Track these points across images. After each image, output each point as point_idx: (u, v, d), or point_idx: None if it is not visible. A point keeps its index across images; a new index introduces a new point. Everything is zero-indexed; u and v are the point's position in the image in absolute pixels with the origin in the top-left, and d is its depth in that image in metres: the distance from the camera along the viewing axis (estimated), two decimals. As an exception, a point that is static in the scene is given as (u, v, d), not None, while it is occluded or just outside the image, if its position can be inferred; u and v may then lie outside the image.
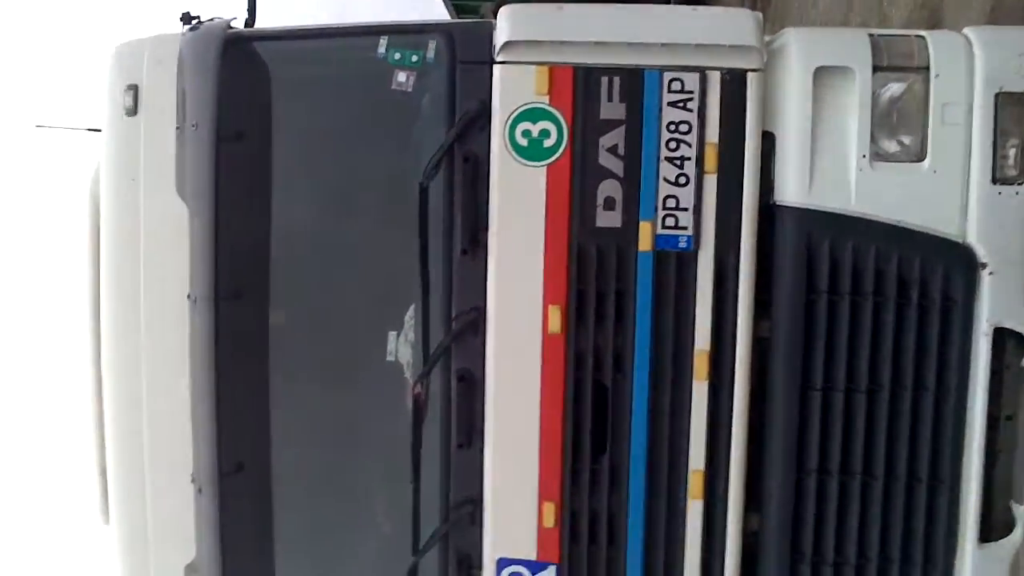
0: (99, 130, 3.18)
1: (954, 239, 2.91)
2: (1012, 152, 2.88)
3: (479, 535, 3.10)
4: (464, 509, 3.12)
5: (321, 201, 3.26)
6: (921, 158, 2.91)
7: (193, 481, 3.17)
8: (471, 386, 3.05)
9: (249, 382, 3.25)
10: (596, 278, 2.95)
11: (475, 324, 3.02)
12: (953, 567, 3.01)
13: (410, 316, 3.20)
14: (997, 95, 2.87)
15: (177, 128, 3.11)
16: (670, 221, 2.93)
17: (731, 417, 2.96)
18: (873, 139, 2.92)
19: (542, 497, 3.04)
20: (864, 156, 2.91)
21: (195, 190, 3.07)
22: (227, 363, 3.11)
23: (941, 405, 2.95)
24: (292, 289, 3.28)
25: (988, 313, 2.90)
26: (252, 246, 3.19)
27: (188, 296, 3.08)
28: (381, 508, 3.33)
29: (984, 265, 2.89)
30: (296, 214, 3.26)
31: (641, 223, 2.93)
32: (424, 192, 3.01)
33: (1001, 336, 2.96)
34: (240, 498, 3.26)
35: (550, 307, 2.96)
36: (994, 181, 2.88)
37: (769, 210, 2.96)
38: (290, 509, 3.37)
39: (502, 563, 3.08)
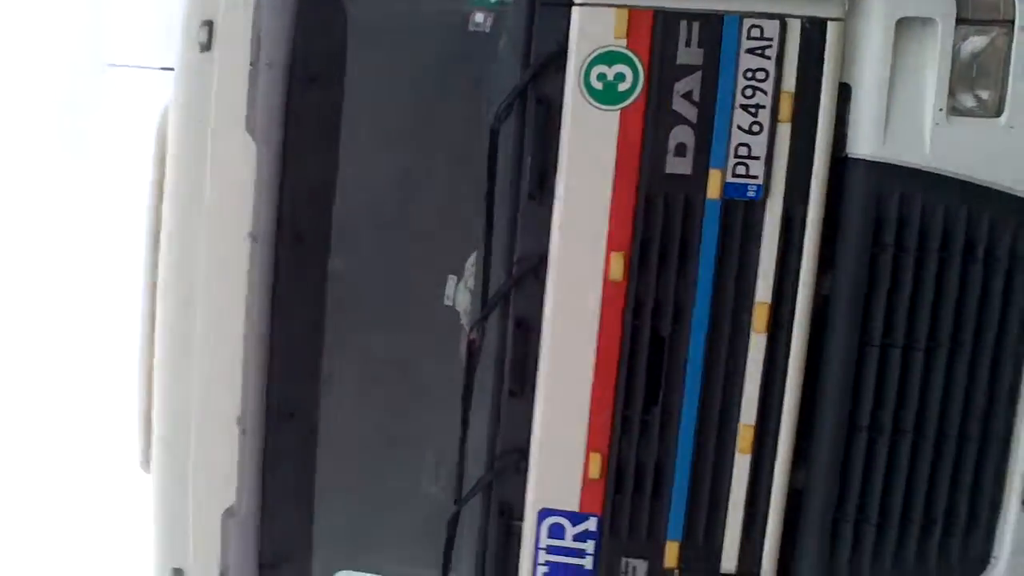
0: (172, 69, 3.03)
1: (1024, 196, 2.86)
2: (1092, 110, 2.83)
3: (523, 486, 3.06)
4: (510, 458, 3.07)
5: (391, 146, 3.21)
6: (999, 113, 2.86)
7: (239, 423, 3.07)
8: (528, 333, 3.00)
9: (304, 327, 3.20)
10: (662, 225, 2.89)
11: (536, 270, 2.95)
12: (995, 529, 3.03)
13: (471, 263, 3.14)
14: (1081, 53, 2.81)
15: (251, 65, 2.98)
16: (740, 169, 2.86)
17: (786, 372, 2.93)
18: (951, 93, 2.86)
19: (590, 447, 3.01)
20: (941, 110, 2.85)
21: (264, 129, 2.98)
22: (284, 306, 3.04)
23: (998, 366, 2.94)
24: (355, 235, 3.24)
25: (1057, 274, 2.87)
26: (318, 190, 3.15)
27: (249, 235, 2.96)
28: (428, 457, 3.26)
29: (1055, 225, 2.86)
30: (365, 159, 3.22)
31: (711, 170, 2.87)
32: (495, 135, 2.93)
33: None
34: (285, 444, 3.21)
35: (613, 254, 2.90)
36: (1071, 141, 2.83)
37: (841, 162, 2.89)
38: (335, 457, 3.31)
39: (543, 513, 3.05)
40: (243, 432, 3.07)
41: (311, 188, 3.11)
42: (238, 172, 2.99)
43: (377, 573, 3.50)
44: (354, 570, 3.49)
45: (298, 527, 3.33)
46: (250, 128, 3.01)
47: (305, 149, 3.07)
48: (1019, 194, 2.89)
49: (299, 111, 3.03)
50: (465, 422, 3.10)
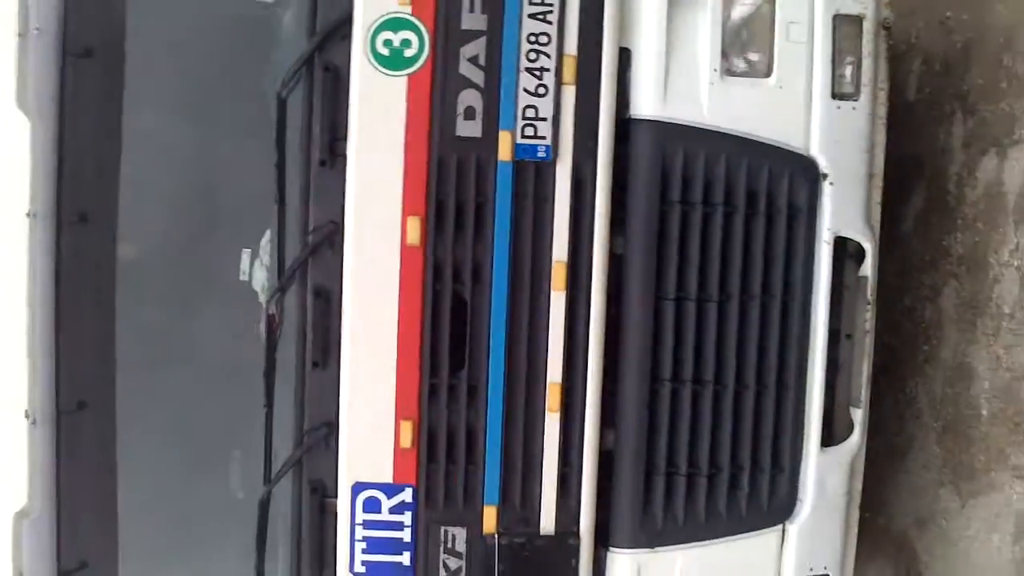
0: None
1: (798, 151, 3.05)
2: (848, 70, 3.05)
3: (334, 461, 3.02)
4: (319, 433, 3.03)
5: (178, 121, 3.14)
6: (768, 74, 3.05)
7: (27, 415, 2.95)
8: (327, 303, 2.99)
9: (94, 310, 3.09)
10: (456, 188, 2.95)
11: (332, 238, 2.95)
12: (799, 471, 3.13)
13: (267, 240, 3.11)
14: (835, 16, 3.03)
15: (19, 36, 2.93)
16: (529, 131, 2.95)
17: (588, 329, 2.99)
18: (724, 56, 3.04)
19: (399, 416, 3.00)
20: (716, 71, 3.01)
21: (38, 104, 2.91)
22: (70, 289, 2.94)
23: (788, 312, 3.09)
24: (143, 213, 3.14)
25: (829, 222, 3.05)
26: (102, 168, 3.06)
27: (28, 213, 2.88)
28: (233, 441, 3.18)
29: (825, 176, 3.05)
30: (152, 135, 3.12)
31: (501, 132, 2.95)
32: (283, 104, 2.95)
33: (842, 248, 3.10)
34: (81, 438, 3.09)
35: (409, 218, 2.93)
36: (833, 96, 3.03)
37: (626, 123, 3.02)
38: (136, 447, 3.19)
39: (357, 488, 3.02)
40: (33, 423, 2.94)
41: (94, 166, 3.03)
42: (12, 149, 2.90)
43: None
44: None
45: (101, 530, 3.19)
46: (22, 103, 2.93)
47: (85, 125, 2.98)
48: (793, 148, 3.06)
49: (75, 85, 2.94)
50: (270, 400, 3.05)
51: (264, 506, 3.06)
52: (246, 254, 3.07)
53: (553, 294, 2.99)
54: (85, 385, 3.05)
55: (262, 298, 3.06)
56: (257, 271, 3.14)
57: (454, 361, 3.00)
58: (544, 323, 3.00)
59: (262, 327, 3.04)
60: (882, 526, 3.80)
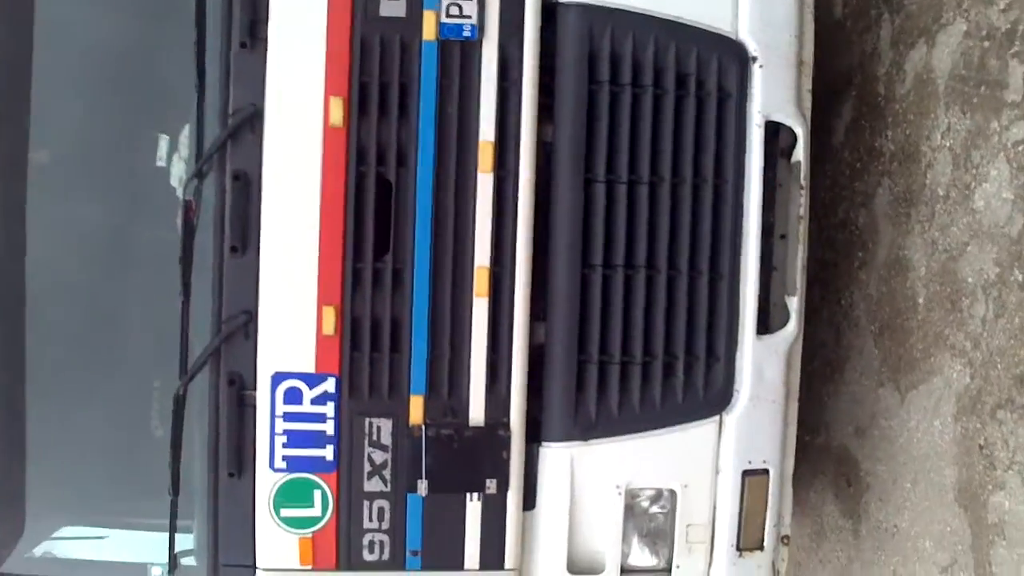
0: None
1: (727, 35, 3.06)
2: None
3: (253, 353, 2.94)
4: (237, 321, 2.93)
5: (92, 8, 3.04)
6: (695, -43, 3.03)
7: None
8: (247, 187, 2.91)
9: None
10: (379, 68, 2.91)
11: (252, 120, 2.88)
12: (734, 359, 3.09)
13: (186, 135, 3.02)
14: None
15: None
16: (454, 10, 2.93)
17: (516, 210, 2.94)
18: (649, -62, 3.01)
19: (321, 301, 2.93)
20: (642, -47, 2.99)
21: None
22: None
23: (720, 197, 3.06)
24: (57, 102, 3.05)
25: (760, 105, 3.05)
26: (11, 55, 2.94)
27: None
28: (149, 336, 3.07)
29: (755, 59, 3.04)
30: (64, 20, 3.03)
31: (425, 12, 2.92)
32: None
33: (774, 141, 3.08)
34: None
35: (331, 98, 2.89)
36: (759, -21, 3.03)
37: (553, 8, 2.99)
38: (47, 344, 3.06)
39: (277, 378, 2.94)
40: None
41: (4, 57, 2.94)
42: None
43: (107, 527, 3.23)
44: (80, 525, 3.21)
45: (6, 473, 3.05)
46: None
47: None
48: (722, 32, 3.06)
49: None
50: (186, 291, 2.95)
51: (179, 401, 2.95)
52: (164, 140, 2.98)
53: (480, 176, 2.95)
54: None
55: (181, 188, 2.96)
56: (175, 165, 3.06)
57: (378, 246, 2.95)
58: (471, 206, 2.95)
59: (178, 213, 2.94)
60: (821, 444, 3.78)
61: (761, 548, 3.21)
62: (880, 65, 3.46)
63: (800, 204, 3.15)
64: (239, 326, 2.94)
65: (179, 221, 2.95)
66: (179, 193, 3.02)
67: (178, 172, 3.07)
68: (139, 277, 3.11)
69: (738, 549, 3.17)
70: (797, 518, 4.09)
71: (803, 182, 3.14)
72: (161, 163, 3.01)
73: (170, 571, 3.10)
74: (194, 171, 2.92)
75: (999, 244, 2.84)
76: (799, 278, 3.17)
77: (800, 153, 3.13)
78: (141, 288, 3.11)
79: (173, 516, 3.04)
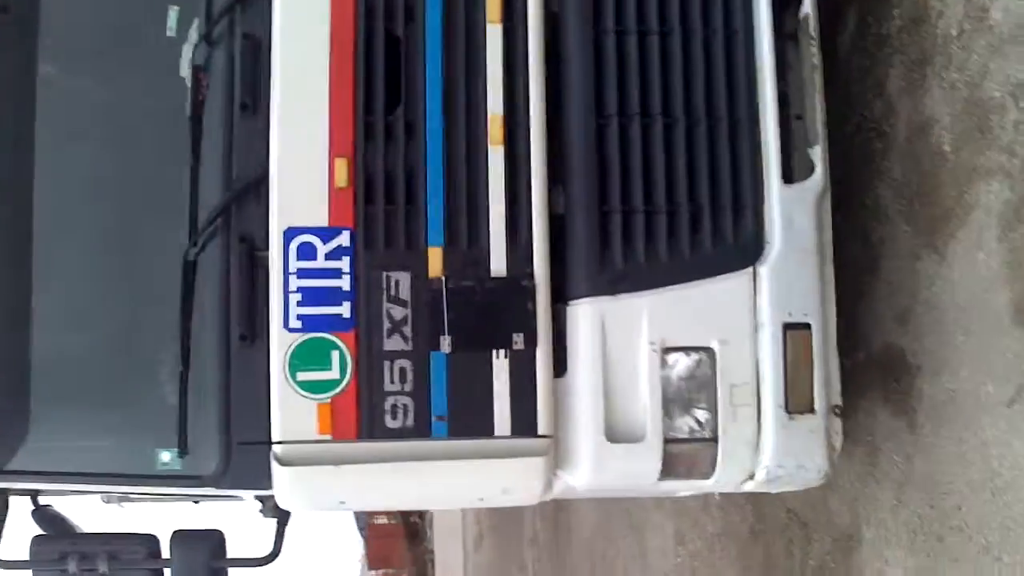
0: None
1: None
2: None
3: (264, 214, 2.89)
4: (248, 180, 2.90)
5: None
6: None
7: None
8: (257, 48, 2.94)
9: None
10: (384, -77, 2.98)
11: None
12: (762, 208, 3.02)
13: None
14: None
15: None
16: None
17: (527, 59, 2.96)
18: None
19: (333, 153, 2.92)
20: None
21: None
22: None
23: (731, 46, 3.06)
24: None
25: (762, -42, 3.09)
26: None
27: None
28: (157, 206, 3.03)
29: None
30: None
31: None
32: None
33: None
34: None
35: (337, -42, 2.93)
36: None
37: None
38: (52, 245, 3.02)
39: (290, 233, 2.88)
40: None
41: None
42: None
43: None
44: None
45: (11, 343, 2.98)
46: None
47: None
48: None
49: None
50: (196, 152, 2.93)
51: (189, 264, 2.87)
52: (172, 11, 3.02)
53: (489, 27, 2.97)
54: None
55: (190, 54, 2.97)
56: (185, 54, 3.07)
57: (389, 100, 2.94)
58: (481, 57, 2.98)
59: (188, 78, 2.95)
60: (862, 361, 3.61)
61: (812, 411, 3.03)
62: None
63: (813, 54, 3.16)
64: (250, 182, 2.89)
65: (188, 87, 2.96)
66: (188, 60, 3.01)
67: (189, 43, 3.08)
68: (146, 150, 3.08)
69: (787, 411, 2.99)
70: (847, 449, 3.87)
71: (813, 34, 3.16)
72: (171, 33, 3.03)
73: (181, 453, 2.92)
74: (204, 33, 2.96)
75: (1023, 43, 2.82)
76: (820, 127, 3.14)
77: (808, 6, 3.16)
78: (148, 162, 3.07)
79: (183, 393, 2.92)
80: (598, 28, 3.03)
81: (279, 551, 3.08)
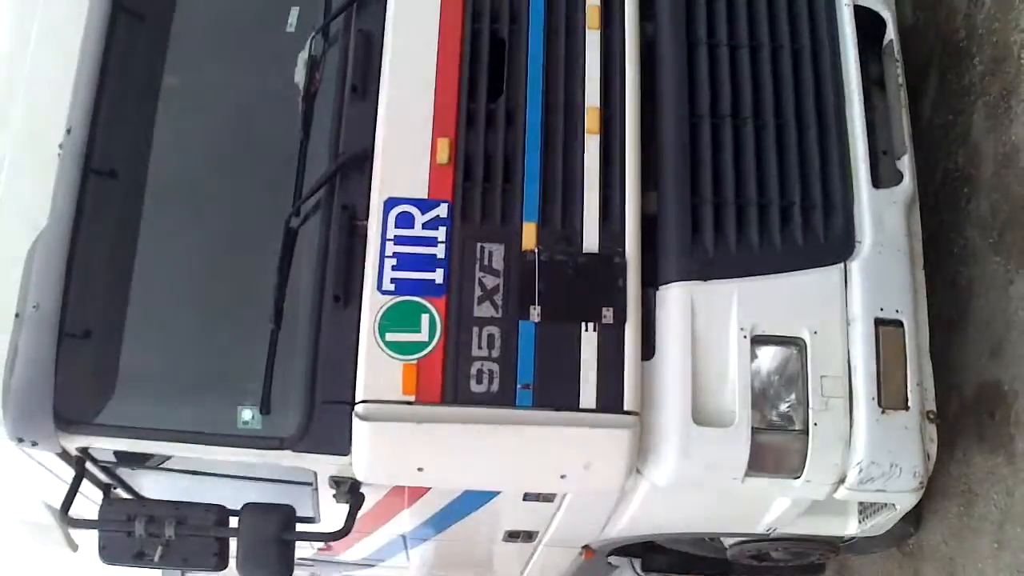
0: None
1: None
2: None
3: (367, 187, 3.05)
4: (353, 161, 3.07)
5: None
6: None
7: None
8: (369, 41, 3.17)
9: (137, 75, 3.30)
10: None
11: None
12: (852, 210, 3.09)
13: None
14: None
15: None
16: None
17: (623, 61, 3.14)
18: None
19: (436, 134, 3.08)
20: None
21: None
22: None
23: (818, 59, 3.22)
24: None
25: (847, -2, 3.30)
26: None
27: None
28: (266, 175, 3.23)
29: (840, -50, 3.34)
30: None
31: None
32: None
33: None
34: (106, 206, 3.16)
35: (448, -38, 3.22)
36: None
37: None
38: (160, 215, 3.19)
39: (390, 203, 3.02)
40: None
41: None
42: None
43: None
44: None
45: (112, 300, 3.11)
46: None
47: None
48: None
49: None
50: (307, 128, 3.12)
51: (291, 228, 2.98)
52: (295, 10, 3.28)
53: (588, 32, 3.18)
54: (118, 154, 3.19)
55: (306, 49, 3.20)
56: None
57: (492, 90, 3.12)
58: (580, 57, 3.20)
59: (301, 68, 3.17)
60: (955, 410, 3.53)
61: (906, 407, 2.96)
62: (957, 14, 3.75)
63: (898, 74, 3.29)
64: (355, 155, 3.04)
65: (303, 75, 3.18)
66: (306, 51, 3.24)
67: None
68: (261, 130, 3.27)
69: (880, 405, 2.93)
70: (940, 501, 3.72)
71: (897, 56, 3.32)
72: (291, 29, 3.28)
73: (263, 411, 2.92)
74: (320, 27, 3.20)
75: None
76: (906, 140, 3.24)
77: (891, 32, 3.34)
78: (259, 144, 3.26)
79: (272, 351, 2.95)
80: (691, 40, 3.23)
81: (350, 528, 3.01)
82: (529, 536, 3.77)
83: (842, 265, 3.06)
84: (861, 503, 3.40)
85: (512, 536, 3.78)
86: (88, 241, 3.07)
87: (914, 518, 3.81)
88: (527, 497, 3.24)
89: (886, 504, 3.21)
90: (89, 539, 4.90)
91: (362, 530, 3.78)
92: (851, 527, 3.46)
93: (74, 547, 4.81)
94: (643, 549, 4.49)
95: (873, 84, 3.45)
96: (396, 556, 4.33)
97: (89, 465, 3.15)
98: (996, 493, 3.35)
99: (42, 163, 3.12)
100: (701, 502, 3.30)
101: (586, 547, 3.95)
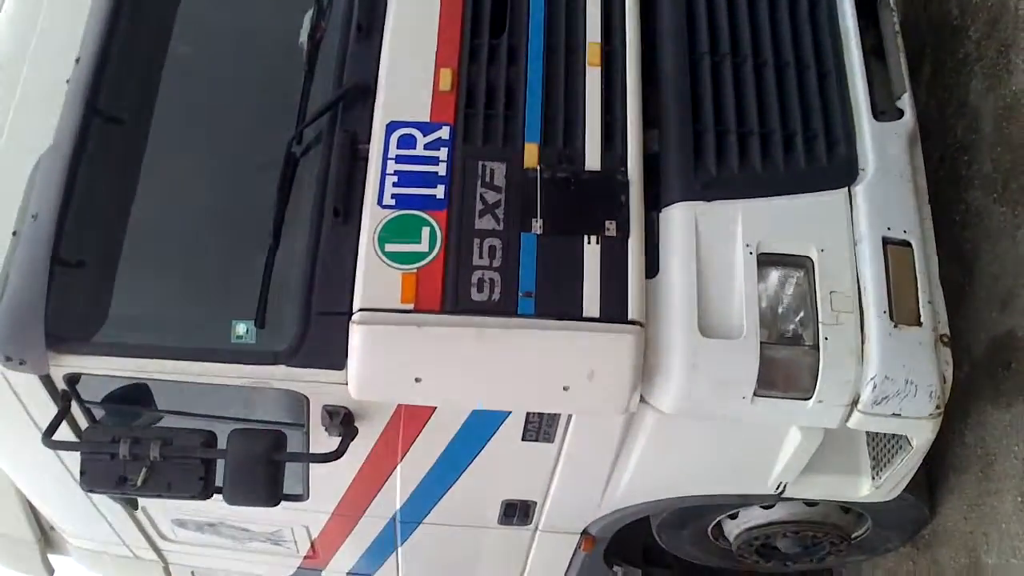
0: None
1: None
2: None
3: (369, 116, 3.09)
4: (357, 93, 3.12)
5: None
6: None
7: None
8: None
9: (145, 34, 3.40)
10: None
11: None
12: (854, 138, 3.12)
13: None
14: None
15: None
16: None
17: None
18: None
19: (439, 64, 3.16)
20: None
21: None
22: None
23: (815, 9, 3.31)
24: None
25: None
26: None
27: None
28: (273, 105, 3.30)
29: None
30: None
31: None
32: None
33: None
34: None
35: None
36: None
37: None
38: (161, 147, 3.24)
39: (392, 126, 3.08)
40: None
41: None
42: None
43: None
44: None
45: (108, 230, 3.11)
46: None
47: None
48: None
49: None
50: (311, 65, 3.20)
51: (293, 154, 3.01)
52: None
53: (587, -28, 3.29)
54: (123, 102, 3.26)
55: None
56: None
57: (495, 27, 3.19)
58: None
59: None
60: (965, 373, 3.45)
61: (919, 323, 2.91)
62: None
63: (894, 22, 3.37)
64: (359, 84, 3.10)
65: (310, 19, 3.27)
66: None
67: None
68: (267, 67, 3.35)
69: (892, 319, 2.87)
70: (956, 479, 3.59)
71: (892, 6, 3.41)
72: None
73: (258, 325, 2.87)
74: (329, -28, 3.32)
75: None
76: (905, 80, 3.29)
77: (885, -22, 3.46)
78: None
79: (269, 265, 2.93)
80: (689, -15, 3.35)
81: (343, 452, 2.90)
82: (526, 513, 3.65)
83: (846, 190, 3.07)
84: (874, 457, 3.30)
85: (508, 513, 3.64)
86: (89, 164, 3.09)
87: (928, 499, 3.72)
88: (527, 434, 3.14)
89: (901, 448, 3.11)
90: (66, 564, 4.77)
91: (350, 510, 3.71)
92: (864, 487, 3.33)
93: (50, 571, 4.62)
94: (644, 561, 4.35)
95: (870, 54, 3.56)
96: (384, 567, 4.18)
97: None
98: (1017, 444, 3.25)
99: (51, 96, 3.19)
100: (708, 450, 3.21)
101: (585, 534, 3.82)
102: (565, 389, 2.87)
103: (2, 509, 4.06)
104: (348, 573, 4.28)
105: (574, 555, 3.99)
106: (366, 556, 4.06)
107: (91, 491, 2.98)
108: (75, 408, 3.15)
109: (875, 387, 2.85)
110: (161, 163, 3.18)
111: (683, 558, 4.21)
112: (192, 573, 4.44)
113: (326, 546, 4.02)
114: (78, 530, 4.17)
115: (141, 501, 3.64)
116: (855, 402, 2.90)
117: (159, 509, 3.89)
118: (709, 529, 3.87)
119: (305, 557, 4.21)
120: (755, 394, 2.89)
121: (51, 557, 4.47)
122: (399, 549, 4.01)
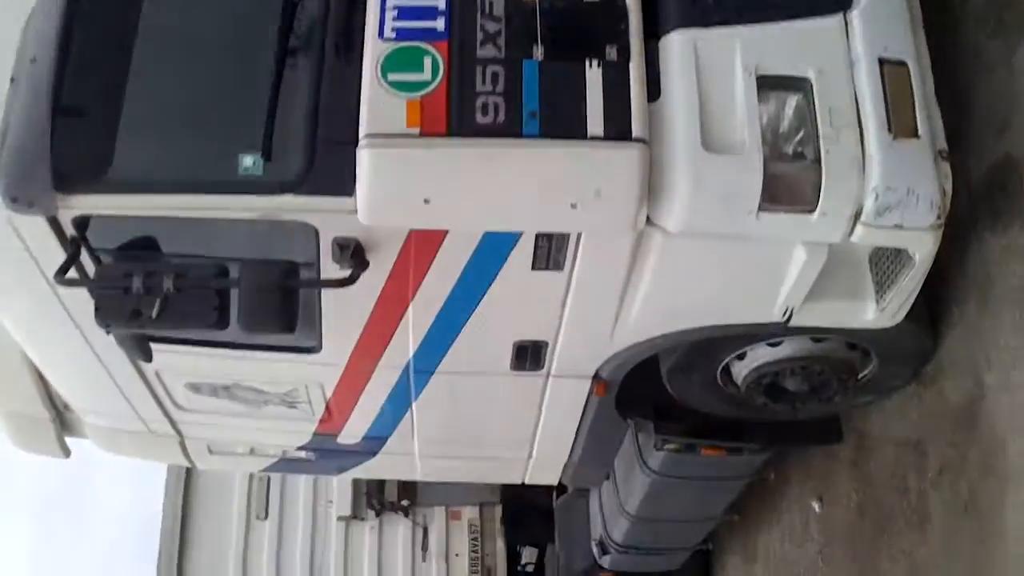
0: None
1: None
2: None
3: None
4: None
5: None
6: None
7: None
8: None
9: None
10: None
11: None
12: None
13: None
14: None
15: None
16: None
17: None
18: None
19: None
20: None
21: None
22: None
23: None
24: None
25: None
26: None
27: None
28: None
29: None
30: None
31: None
32: None
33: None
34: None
35: None
36: None
37: None
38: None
39: None
40: None
41: None
42: None
43: None
44: None
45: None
46: None
47: None
48: None
49: None
50: None
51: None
52: None
53: None
54: None
55: None
56: None
57: None
58: None
59: None
60: (964, 205, 3.50)
61: (917, 136, 2.97)
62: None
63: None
64: None
65: None
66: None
67: None
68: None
69: (890, 131, 2.94)
70: (957, 309, 3.67)
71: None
72: None
73: (264, 156, 2.92)
74: None
75: None
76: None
77: None
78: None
79: (274, 97, 2.96)
80: None
81: (355, 278, 2.97)
82: (537, 356, 3.73)
83: (841, 15, 3.11)
84: (877, 281, 3.36)
85: (520, 356, 3.72)
86: (89, 3, 3.12)
87: (930, 333, 3.79)
88: (536, 262, 3.20)
89: (903, 266, 3.18)
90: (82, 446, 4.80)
91: (364, 360, 3.77)
92: (870, 311, 3.39)
93: (67, 452, 4.69)
94: (656, 414, 4.43)
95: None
96: (399, 428, 4.26)
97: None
98: (1017, 263, 3.33)
99: None
100: (715, 276, 3.27)
101: (597, 378, 3.91)
102: (573, 207, 2.94)
103: (16, 386, 4.12)
104: (363, 438, 4.39)
105: (587, 402, 4.10)
106: (380, 416, 4.15)
107: (107, 326, 3.04)
108: (85, 258, 3.21)
109: (878, 197, 2.92)
110: (164, 2, 3.22)
111: (693, 407, 4.28)
112: (208, 447, 4.53)
113: (341, 406, 4.10)
114: (92, 405, 4.25)
115: (155, 363, 3.69)
116: (858, 215, 2.97)
117: (173, 373, 4.00)
118: (718, 373, 3.97)
119: (320, 421, 4.29)
120: (760, 209, 2.95)
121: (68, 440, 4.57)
122: (413, 405, 4.12)
